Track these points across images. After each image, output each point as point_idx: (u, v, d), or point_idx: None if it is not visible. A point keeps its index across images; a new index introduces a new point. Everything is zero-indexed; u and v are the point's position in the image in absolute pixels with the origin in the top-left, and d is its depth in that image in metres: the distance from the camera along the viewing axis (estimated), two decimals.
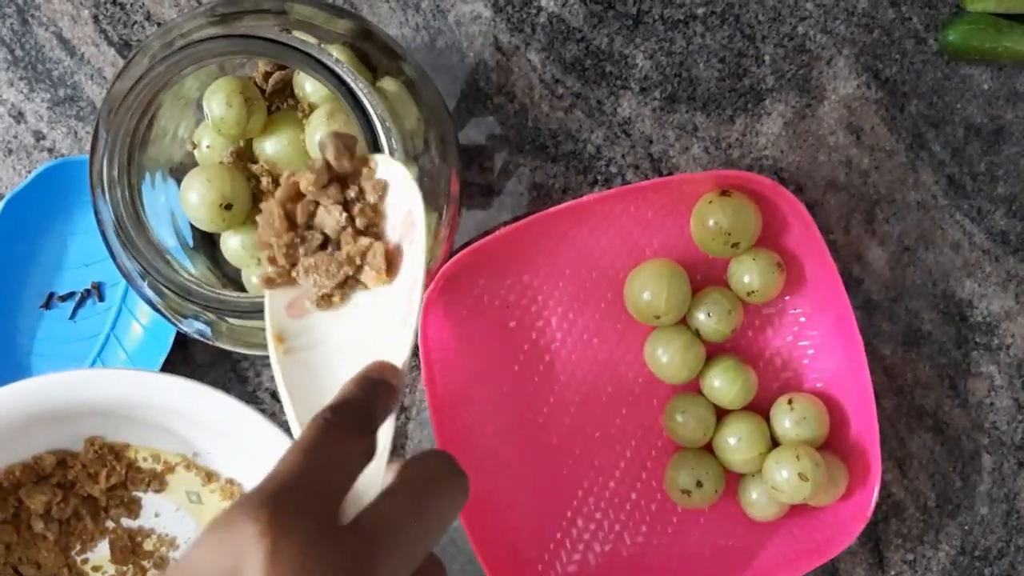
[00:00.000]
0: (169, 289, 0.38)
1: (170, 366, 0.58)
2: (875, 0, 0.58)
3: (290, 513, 0.28)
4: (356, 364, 0.34)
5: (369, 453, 0.31)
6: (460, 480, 0.32)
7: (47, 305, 0.59)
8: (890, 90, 0.59)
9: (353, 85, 0.36)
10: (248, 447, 0.53)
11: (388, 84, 0.42)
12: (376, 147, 0.37)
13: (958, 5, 0.58)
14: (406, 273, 0.35)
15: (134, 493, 0.57)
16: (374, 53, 0.41)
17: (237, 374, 0.60)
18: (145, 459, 0.56)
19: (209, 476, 0.56)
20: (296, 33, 0.39)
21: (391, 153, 0.37)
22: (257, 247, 0.35)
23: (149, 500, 0.57)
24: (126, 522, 0.58)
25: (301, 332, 0.37)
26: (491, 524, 0.58)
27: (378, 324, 0.36)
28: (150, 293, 0.40)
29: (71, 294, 0.59)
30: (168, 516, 0.58)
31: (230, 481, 0.56)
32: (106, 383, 0.50)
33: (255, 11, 0.40)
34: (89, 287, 0.59)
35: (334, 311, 0.37)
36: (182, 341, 0.58)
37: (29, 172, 0.60)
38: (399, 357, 0.34)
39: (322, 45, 0.39)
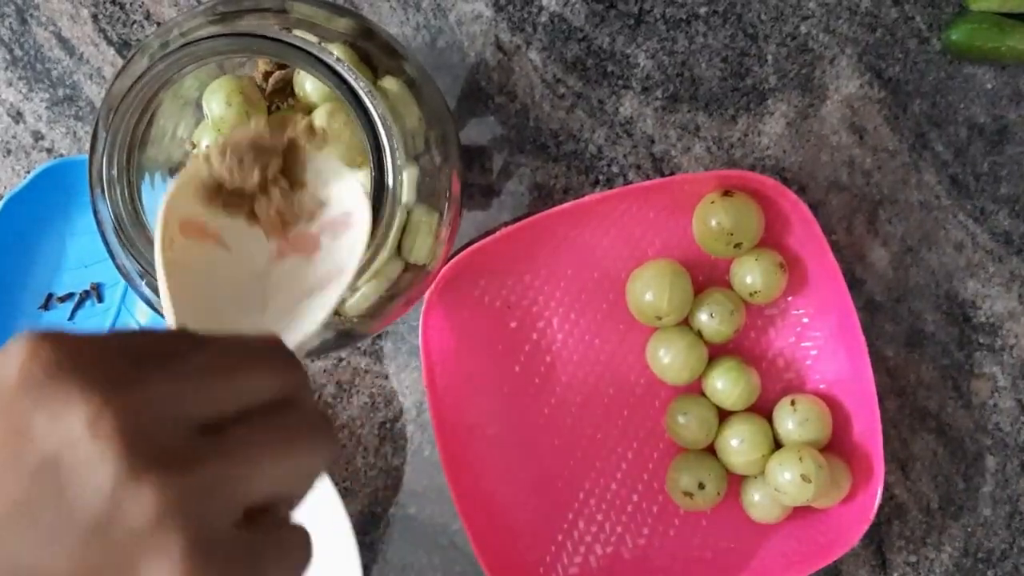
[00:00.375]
0: None
1: None
2: None
3: (71, 339, 0.27)
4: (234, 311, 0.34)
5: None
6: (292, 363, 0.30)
7: (46, 306, 0.59)
8: (893, 90, 0.59)
9: (354, 84, 0.36)
10: None
11: (389, 83, 0.41)
12: (377, 146, 0.37)
13: (961, 4, 0.58)
14: (323, 265, 0.35)
15: None
16: (375, 52, 0.41)
17: None
18: None
19: None
20: (297, 32, 0.39)
21: (392, 153, 0.37)
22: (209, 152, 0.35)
23: None
24: None
25: (188, 249, 0.35)
26: (492, 526, 0.58)
27: (277, 288, 0.35)
28: (149, 293, 0.40)
29: (70, 295, 0.59)
30: None
31: None
32: None
33: (255, 10, 0.40)
34: (88, 288, 0.59)
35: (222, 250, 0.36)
36: None
37: (28, 172, 0.59)
38: (290, 338, 0.33)
39: (323, 44, 0.39)
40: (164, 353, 0.28)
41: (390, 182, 0.37)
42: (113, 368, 0.26)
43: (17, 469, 0.26)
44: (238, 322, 0.34)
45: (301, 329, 0.34)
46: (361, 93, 0.36)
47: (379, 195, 0.37)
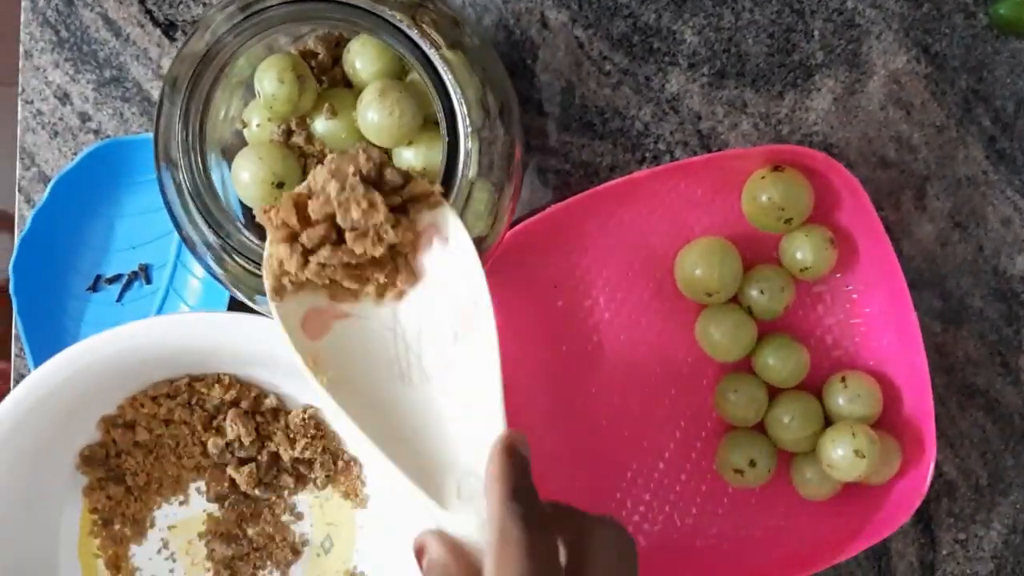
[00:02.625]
0: (244, 257, 0.38)
1: None
2: None
3: None
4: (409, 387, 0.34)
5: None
6: (634, 552, 0.34)
7: (94, 288, 0.59)
8: (939, 65, 0.58)
9: (429, 53, 0.36)
10: None
11: (449, 53, 0.41)
12: (452, 119, 0.37)
13: None
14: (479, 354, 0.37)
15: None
16: (436, 21, 0.40)
17: None
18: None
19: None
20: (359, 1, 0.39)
21: (464, 120, 0.37)
22: (269, 255, 0.36)
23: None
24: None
25: (333, 353, 0.37)
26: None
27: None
28: (214, 265, 0.40)
29: (118, 276, 0.59)
30: None
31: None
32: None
33: None
34: (136, 269, 0.59)
35: (359, 324, 0.37)
36: None
37: (75, 154, 0.59)
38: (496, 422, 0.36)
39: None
40: None
41: (463, 152, 0.36)
42: None
43: None
44: (407, 395, 0.35)
45: (494, 399, 0.37)
46: (435, 60, 0.36)
47: (453, 167, 0.37)
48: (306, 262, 0.37)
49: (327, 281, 0.38)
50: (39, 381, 0.51)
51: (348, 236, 0.37)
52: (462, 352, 0.37)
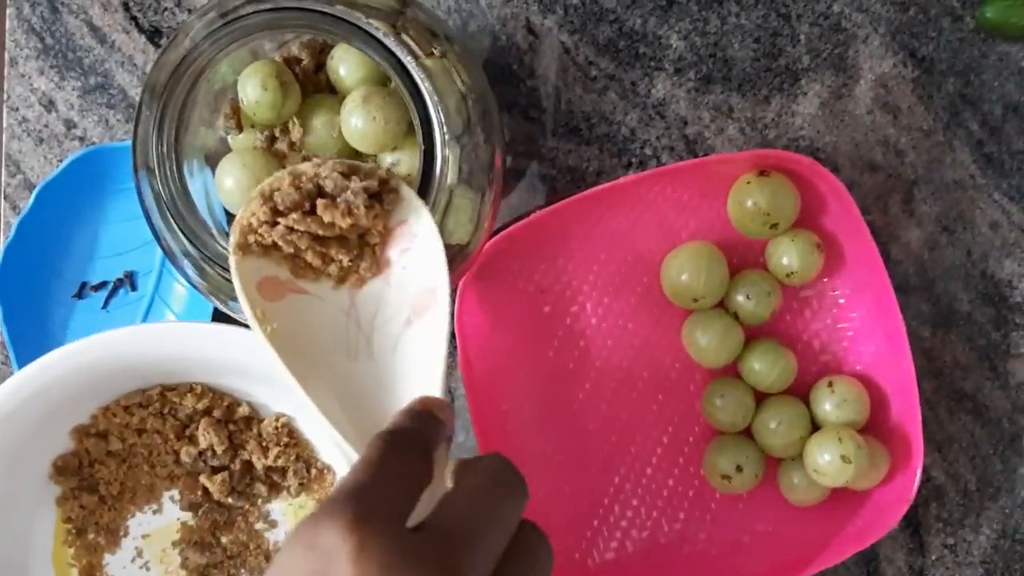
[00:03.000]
0: (220, 265, 0.38)
1: None
2: None
3: (371, 512, 0.29)
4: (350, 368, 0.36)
5: (428, 475, 0.33)
6: (517, 480, 0.34)
7: (80, 295, 0.59)
8: (926, 69, 0.58)
9: (405, 60, 0.36)
10: None
11: (430, 61, 0.41)
12: (428, 127, 0.37)
13: None
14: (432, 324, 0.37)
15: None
16: (415, 29, 0.40)
17: None
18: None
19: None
20: (339, 8, 0.39)
21: (441, 129, 0.37)
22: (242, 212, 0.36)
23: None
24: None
25: (283, 316, 0.37)
26: (528, 512, 0.57)
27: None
28: (193, 274, 0.40)
29: (104, 283, 0.59)
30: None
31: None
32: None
33: None
34: (122, 276, 0.59)
35: (314, 303, 0.37)
36: None
37: (60, 161, 0.59)
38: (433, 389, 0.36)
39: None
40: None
41: (440, 159, 0.36)
42: (445, 546, 0.30)
43: None
44: (350, 368, 0.36)
45: (436, 373, 0.36)
46: (411, 68, 0.36)
47: (429, 173, 0.36)
48: (275, 224, 0.37)
49: (291, 250, 0.38)
50: (10, 392, 0.51)
51: (319, 204, 0.37)
52: (413, 333, 0.38)
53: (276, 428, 0.56)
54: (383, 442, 0.32)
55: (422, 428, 0.35)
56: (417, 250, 0.38)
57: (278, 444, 0.55)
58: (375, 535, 0.28)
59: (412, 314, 0.38)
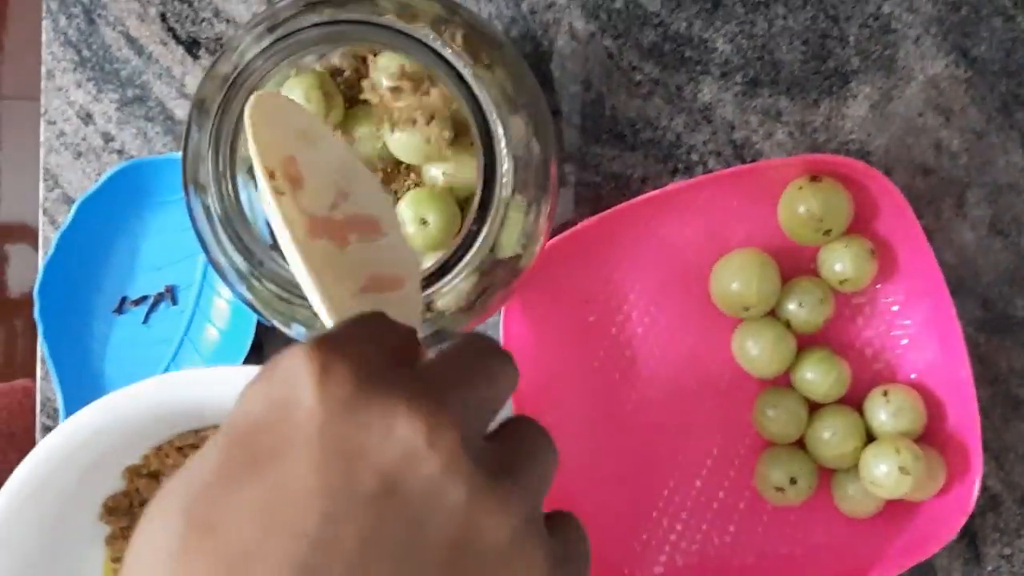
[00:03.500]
0: (277, 284, 0.37)
1: None
2: None
3: (342, 345, 0.25)
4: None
5: (398, 334, 0.29)
6: (505, 355, 0.29)
7: (120, 310, 0.58)
8: (979, 69, 0.57)
9: (463, 72, 0.35)
10: None
11: (481, 70, 0.40)
12: (488, 138, 0.36)
13: None
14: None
15: None
16: (468, 37, 0.39)
17: None
18: None
19: None
20: (390, 18, 0.38)
21: (500, 140, 0.36)
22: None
23: None
24: None
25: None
26: None
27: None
28: (243, 290, 0.39)
29: (144, 298, 0.58)
30: None
31: None
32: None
33: (346, 0, 0.39)
34: (162, 291, 0.58)
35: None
36: (256, 344, 0.57)
37: (99, 175, 0.59)
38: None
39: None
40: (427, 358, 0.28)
41: (500, 170, 0.35)
42: (424, 379, 0.26)
43: (352, 498, 0.24)
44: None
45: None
46: (468, 78, 0.35)
47: (490, 186, 0.35)
48: None
49: None
50: (66, 435, 0.50)
51: None
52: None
53: None
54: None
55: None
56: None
57: None
58: (344, 362, 0.25)
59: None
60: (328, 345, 0.25)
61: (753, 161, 0.57)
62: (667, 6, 0.57)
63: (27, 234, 1.24)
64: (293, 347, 0.26)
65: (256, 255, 0.36)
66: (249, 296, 0.39)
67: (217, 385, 0.49)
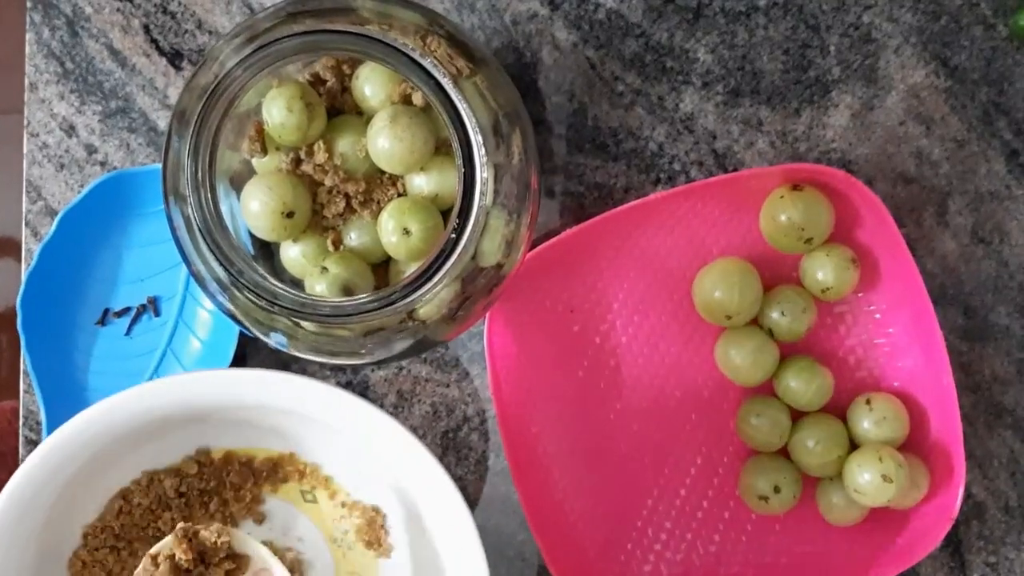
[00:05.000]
0: (256, 294, 0.37)
1: None
2: None
3: None
4: None
5: None
6: None
7: (102, 322, 0.58)
8: (959, 78, 0.57)
9: (443, 82, 0.35)
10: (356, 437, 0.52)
11: (462, 80, 0.40)
12: (467, 148, 0.36)
13: None
14: None
15: (260, 507, 0.56)
16: (448, 47, 0.40)
17: None
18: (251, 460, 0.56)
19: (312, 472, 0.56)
20: (371, 28, 0.38)
21: (480, 149, 0.36)
22: None
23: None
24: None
25: None
26: (561, 535, 0.57)
27: None
28: (223, 300, 0.39)
29: (126, 310, 0.58)
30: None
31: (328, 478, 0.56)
32: (209, 386, 0.49)
33: (324, 10, 0.39)
34: (145, 302, 0.58)
35: None
36: (239, 355, 0.57)
37: (81, 186, 0.59)
38: None
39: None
40: None
41: (479, 181, 0.35)
42: None
43: None
44: None
45: None
46: (449, 89, 0.35)
47: (469, 196, 0.36)
48: None
49: None
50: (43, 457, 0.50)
51: None
52: None
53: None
54: None
55: None
56: None
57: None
58: None
59: None
60: None
61: (735, 170, 0.58)
62: (649, 17, 0.57)
63: (10, 246, 1.23)
64: None
65: (236, 264, 0.36)
66: (229, 306, 0.39)
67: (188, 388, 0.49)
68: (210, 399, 0.49)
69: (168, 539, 0.48)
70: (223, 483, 0.55)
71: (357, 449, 0.53)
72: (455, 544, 0.50)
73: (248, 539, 0.49)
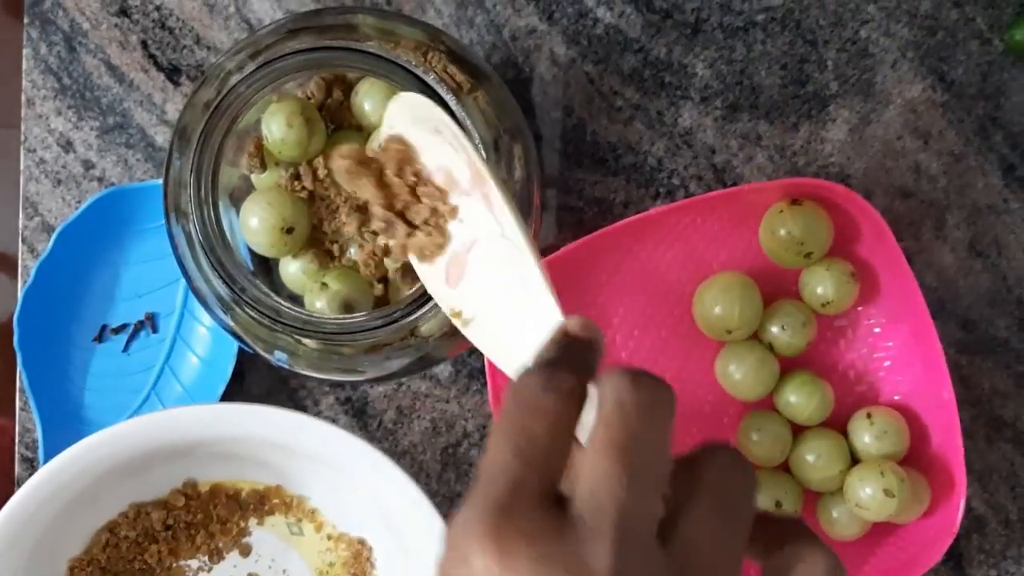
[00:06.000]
0: (259, 311, 0.37)
1: (226, 398, 0.56)
2: (938, 1, 0.57)
3: (515, 518, 0.26)
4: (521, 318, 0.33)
5: (579, 405, 0.29)
6: (753, 475, 0.30)
7: (100, 338, 0.58)
8: (956, 92, 0.57)
9: (446, 98, 0.35)
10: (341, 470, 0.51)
11: (465, 96, 0.40)
12: None
13: (1022, 4, 0.57)
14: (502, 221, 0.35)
15: (246, 540, 0.56)
16: (448, 62, 0.40)
17: (295, 403, 0.58)
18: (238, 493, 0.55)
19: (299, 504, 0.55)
20: (373, 45, 0.38)
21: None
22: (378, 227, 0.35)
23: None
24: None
25: (464, 300, 0.36)
26: None
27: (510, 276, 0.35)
28: (224, 316, 0.39)
29: (124, 326, 0.58)
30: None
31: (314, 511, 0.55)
32: (194, 421, 0.49)
33: (325, 27, 0.39)
34: (142, 318, 0.58)
35: (475, 271, 0.36)
36: (237, 372, 0.57)
37: (79, 202, 0.58)
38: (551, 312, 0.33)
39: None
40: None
41: None
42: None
43: None
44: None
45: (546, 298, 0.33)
46: (452, 105, 0.35)
47: None
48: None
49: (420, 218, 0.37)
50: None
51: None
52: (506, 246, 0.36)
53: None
54: (523, 379, 0.28)
55: (570, 354, 0.30)
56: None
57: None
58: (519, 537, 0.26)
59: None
60: (516, 535, 0.26)
61: (734, 185, 0.58)
62: (647, 32, 0.57)
63: (6, 263, 1.23)
64: (465, 524, 0.26)
65: (239, 282, 0.36)
66: (231, 323, 0.39)
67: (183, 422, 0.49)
68: (196, 433, 0.49)
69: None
70: (210, 515, 0.55)
71: (343, 481, 0.53)
72: None
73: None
